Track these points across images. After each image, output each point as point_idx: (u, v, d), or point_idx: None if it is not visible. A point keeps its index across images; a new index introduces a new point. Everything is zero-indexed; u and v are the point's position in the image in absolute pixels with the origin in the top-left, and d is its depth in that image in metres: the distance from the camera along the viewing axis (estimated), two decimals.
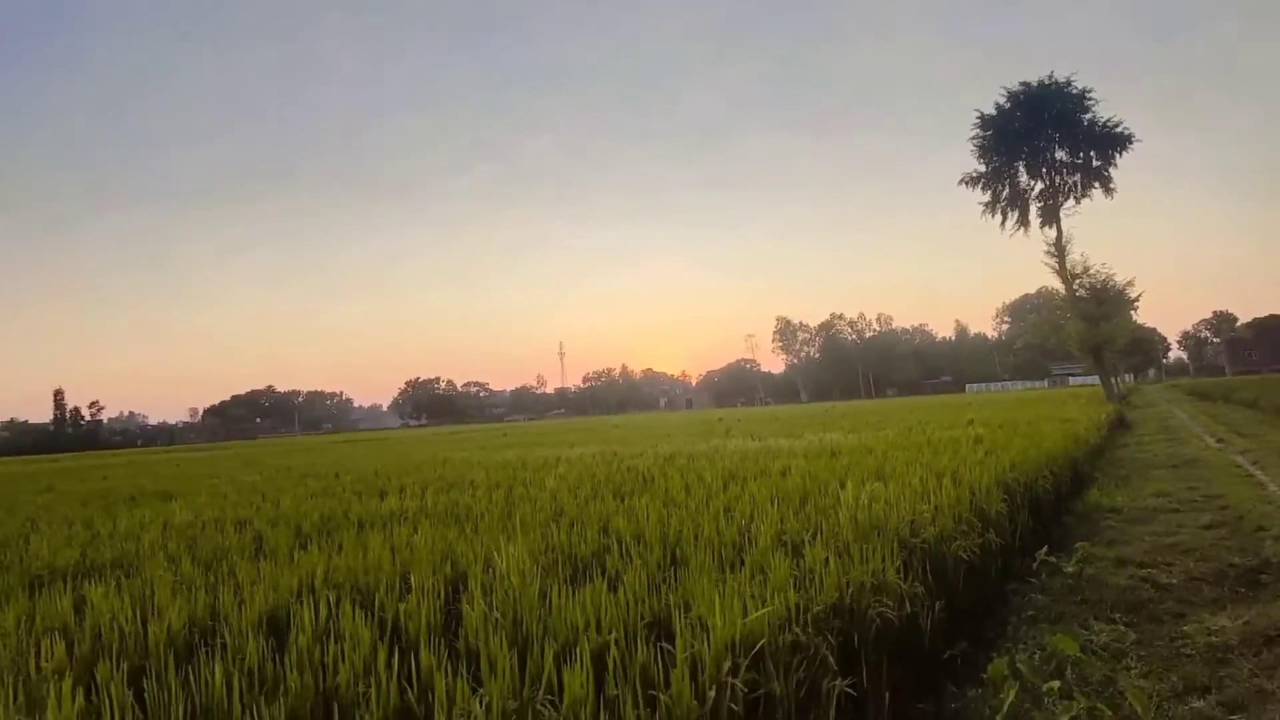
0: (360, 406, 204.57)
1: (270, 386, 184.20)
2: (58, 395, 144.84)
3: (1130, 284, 42.22)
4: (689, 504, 7.65)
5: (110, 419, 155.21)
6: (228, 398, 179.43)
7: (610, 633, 3.29)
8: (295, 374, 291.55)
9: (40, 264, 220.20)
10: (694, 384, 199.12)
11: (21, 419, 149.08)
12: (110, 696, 3.00)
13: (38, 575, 6.52)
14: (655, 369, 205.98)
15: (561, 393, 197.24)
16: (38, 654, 3.96)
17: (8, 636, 4.33)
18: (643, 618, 3.62)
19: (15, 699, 3.35)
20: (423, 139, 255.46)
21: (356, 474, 16.91)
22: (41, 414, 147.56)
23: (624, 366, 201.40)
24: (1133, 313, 44.71)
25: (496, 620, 3.67)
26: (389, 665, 3.11)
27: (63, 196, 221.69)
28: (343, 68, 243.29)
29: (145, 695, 3.09)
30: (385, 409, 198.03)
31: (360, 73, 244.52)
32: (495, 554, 5.03)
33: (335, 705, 3.02)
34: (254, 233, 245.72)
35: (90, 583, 5.72)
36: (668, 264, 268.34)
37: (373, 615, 4.00)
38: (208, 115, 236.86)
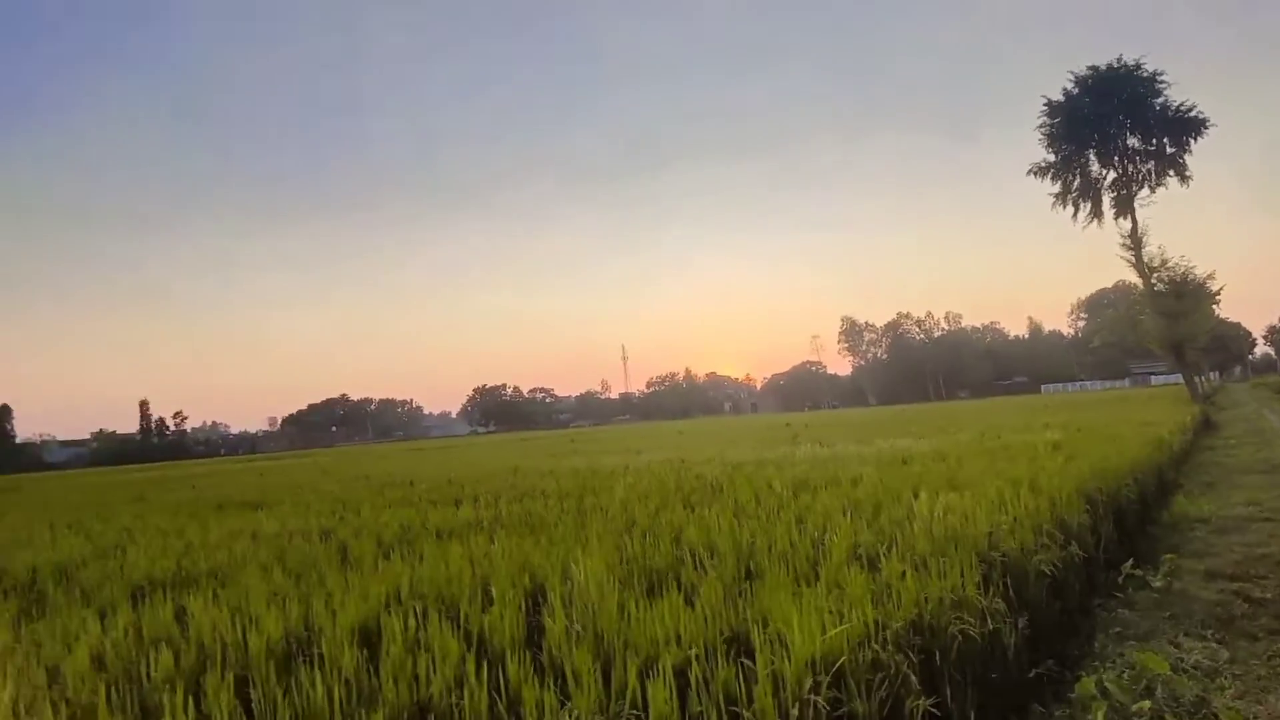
0: (430, 414, 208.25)
1: (344, 395, 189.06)
2: (143, 406, 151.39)
3: (1211, 277, 40.58)
4: (760, 514, 7.66)
5: (194, 428, 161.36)
6: (304, 406, 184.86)
7: (690, 648, 3.36)
8: (368, 383, 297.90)
9: (122, 276, 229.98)
10: (759, 388, 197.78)
11: (109, 429, 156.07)
12: (220, 705, 3.17)
13: (138, 585, 6.86)
14: (719, 372, 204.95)
15: (626, 398, 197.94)
16: (147, 663, 4.20)
17: (118, 646, 4.59)
18: (721, 633, 3.67)
19: (131, 707, 3.57)
20: (480, 143, 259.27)
21: (430, 482, 17.31)
22: (128, 424, 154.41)
23: (687, 370, 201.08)
24: (1215, 307, 42.99)
25: (577, 633, 3.76)
26: (479, 677, 3.23)
27: (140, 207, 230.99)
28: (397, 75, 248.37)
29: (252, 704, 3.26)
30: (455, 416, 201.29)
31: (416, 80, 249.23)
32: (573, 566, 5.13)
33: (429, 716, 3.15)
34: (324, 244, 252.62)
35: (188, 593, 6.02)
36: (729, 265, 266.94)
37: (459, 627, 4.14)
38: (271, 127, 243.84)
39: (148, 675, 4.04)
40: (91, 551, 9.36)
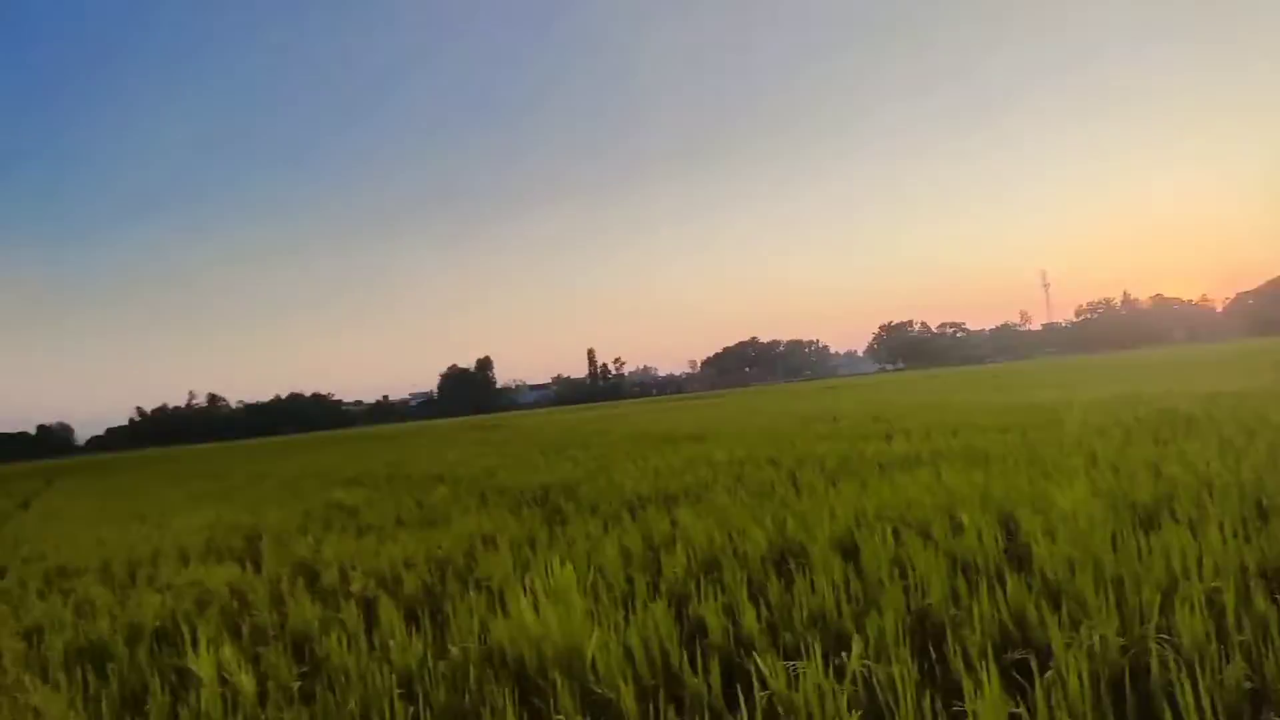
0: (836, 353, 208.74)
1: (754, 338, 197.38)
2: (590, 354, 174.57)
3: None
4: (1254, 450, 6.67)
5: (630, 372, 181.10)
6: (719, 350, 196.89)
7: (1214, 579, 3.12)
8: (775, 325, 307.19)
9: (559, 249, 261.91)
10: (1219, 310, 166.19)
11: (565, 374, 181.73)
12: (739, 598, 3.67)
13: (628, 500, 8.02)
14: (1165, 294, 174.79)
15: (1050, 328, 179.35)
16: (659, 561, 4.96)
17: (634, 546, 5.47)
18: (1245, 568, 3.34)
19: (661, 594, 4.25)
20: (883, 65, 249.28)
21: (852, 418, 17.61)
22: (578, 370, 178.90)
23: (1125, 294, 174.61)
24: None
25: (1073, 560, 3.66)
26: (973, 593, 3.33)
27: (589, 186, 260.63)
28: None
29: (762, 600, 3.72)
30: (860, 354, 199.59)
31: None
32: (1056, 495, 4.97)
33: (925, 623, 3.34)
34: (718, 196, 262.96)
35: (671, 508, 6.94)
36: (1176, 164, 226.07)
37: (936, 548, 4.26)
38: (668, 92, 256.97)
39: (658, 570, 4.77)
40: (582, 473, 11.13)
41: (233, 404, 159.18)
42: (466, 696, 2.96)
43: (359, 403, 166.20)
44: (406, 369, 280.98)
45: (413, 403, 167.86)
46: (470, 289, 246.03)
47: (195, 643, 3.90)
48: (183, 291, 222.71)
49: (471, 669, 3.13)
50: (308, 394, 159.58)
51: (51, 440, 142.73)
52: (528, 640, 3.25)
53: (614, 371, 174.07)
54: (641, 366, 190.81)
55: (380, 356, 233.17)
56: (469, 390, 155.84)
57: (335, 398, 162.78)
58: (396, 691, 2.95)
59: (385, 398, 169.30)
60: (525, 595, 3.97)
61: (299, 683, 3.33)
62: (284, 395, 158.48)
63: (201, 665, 3.26)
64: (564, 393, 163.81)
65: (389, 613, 4.16)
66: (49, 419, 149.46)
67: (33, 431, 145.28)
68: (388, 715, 2.79)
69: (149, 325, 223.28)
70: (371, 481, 13.64)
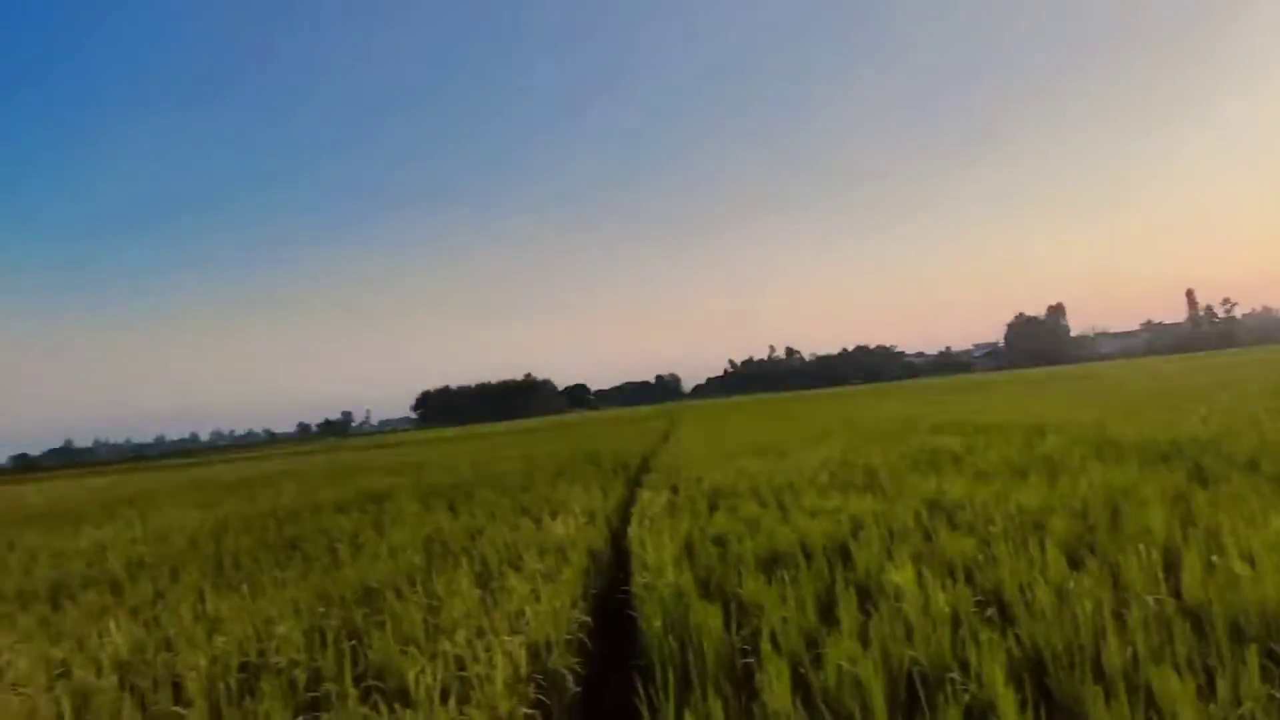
0: None
1: None
2: (1189, 295, 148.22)
3: None
4: None
5: (1244, 314, 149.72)
6: None
7: None
8: None
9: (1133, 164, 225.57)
10: None
11: (1155, 320, 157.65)
12: None
13: None
14: None
15: None
16: None
17: None
18: None
19: None
20: None
21: None
22: (1174, 314, 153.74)
23: None
24: None
25: None
26: None
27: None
28: None
29: None
30: None
31: None
32: None
33: None
34: None
35: None
36: None
37: None
38: None
39: None
40: (1216, 429, 9.64)
41: (806, 356, 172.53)
42: (1179, 645, 2.82)
43: (921, 354, 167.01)
44: (968, 320, 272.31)
45: (976, 354, 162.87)
46: (1036, 230, 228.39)
47: (852, 561, 4.37)
48: (759, 266, 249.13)
49: (1177, 621, 2.96)
50: (872, 346, 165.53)
51: (664, 388, 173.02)
52: (1247, 598, 2.96)
53: (1222, 314, 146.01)
54: (1261, 306, 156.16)
55: (941, 308, 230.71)
56: (1039, 339, 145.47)
57: (898, 349, 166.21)
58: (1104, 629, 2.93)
59: (948, 349, 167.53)
60: (1215, 553, 3.63)
61: (981, 610, 3.51)
62: (850, 348, 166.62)
63: (903, 578, 3.64)
64: (1155, 341, 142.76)
65: (1051, 554, 4.13)
66: (665, 371, 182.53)
67: (652, 380, 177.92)
68: (1110, 649, 2.78)
69: (742, 292, 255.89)
70: (958, 429, 13.59)
